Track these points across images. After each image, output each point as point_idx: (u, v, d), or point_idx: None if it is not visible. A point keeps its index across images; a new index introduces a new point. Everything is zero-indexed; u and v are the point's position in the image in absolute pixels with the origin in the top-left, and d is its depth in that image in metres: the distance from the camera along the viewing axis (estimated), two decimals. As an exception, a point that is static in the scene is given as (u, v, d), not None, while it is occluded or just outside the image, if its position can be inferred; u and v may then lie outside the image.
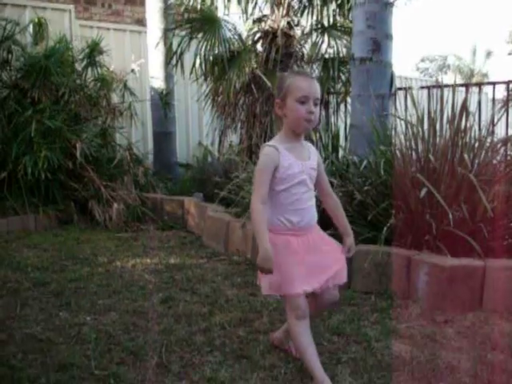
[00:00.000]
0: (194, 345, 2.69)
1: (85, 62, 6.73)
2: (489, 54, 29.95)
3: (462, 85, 5.07)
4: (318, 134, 5.25)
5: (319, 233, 2.54)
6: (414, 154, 3.91)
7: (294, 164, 2.38)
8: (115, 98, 7.08)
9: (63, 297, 3.45)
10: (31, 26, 6.74)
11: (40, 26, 6.68)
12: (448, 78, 29.88)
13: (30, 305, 3.30)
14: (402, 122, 4.26)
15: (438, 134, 3.85)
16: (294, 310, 2.33)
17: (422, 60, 35.17)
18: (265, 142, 6.25)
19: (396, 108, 5.02)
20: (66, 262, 4.29)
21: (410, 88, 4.87)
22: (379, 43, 4.77)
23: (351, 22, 5.52)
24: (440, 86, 4.02)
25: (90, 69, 6.75)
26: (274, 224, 2.39)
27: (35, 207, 5.67)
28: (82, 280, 3.80)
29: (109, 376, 2.35)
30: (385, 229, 3.50)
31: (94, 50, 6.70)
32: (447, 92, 3.96)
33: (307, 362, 2.32)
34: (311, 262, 2.38)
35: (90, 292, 3.54)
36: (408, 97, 4.80)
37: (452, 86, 4.07)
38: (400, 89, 5.31)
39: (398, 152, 4.00)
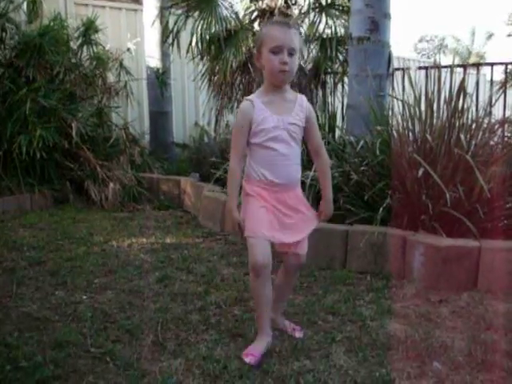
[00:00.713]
0: (189, 323, 2.70)
1: (80, 41, 6.66)
2: (490, 35, 29.70)
3: (459, 66, 5.04)
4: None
5: (298, 195, 2.48)
6: (410, 134, 3.91)
7: (269, 118, 2.32)
8: (111, 77, 7.02)
9: (59, 276, 3.45)
10: (25, 4, 6.65)
11: (34, 4, 6.59)
12: (446, 59, 29.77)
13: (26, 283, 3.31)
14: (400, 103, 4.24)
15: (435, 114, 3.84)
16: (251, 260, 2.31)
17: (420, 41, 35.00)
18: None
19: (393, 88, 5.00)
20: (62, 242, 4.29)
21: (407, 68, 4.84)
22: (377, 22, 4.73)
23: (349, 0, 5.46)
24: (438, 67, 4.00)
25: (85, 47, 6.69)
26: (249, 175, 2.41)
27: (31, 187, 5.65)
28: (78, 259, 3.80)
29: (105, 354, 2.36)
30: (381, 209, 3.50)
31: (89, 29, 6.63)
32: (445, 73, 3.95)
33: (258, 317, 2.43)
34: (283, 218, 2.38)
35: (86, 271, 3.55)
36: (406, 77, 4.77)
37: (450, 66, 4.05)
38: (398, 69, 5.28)
39: (394, 132, 4.00)
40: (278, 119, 2.34)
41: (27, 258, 3.80)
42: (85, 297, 3.09)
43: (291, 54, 2.28)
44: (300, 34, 2.43)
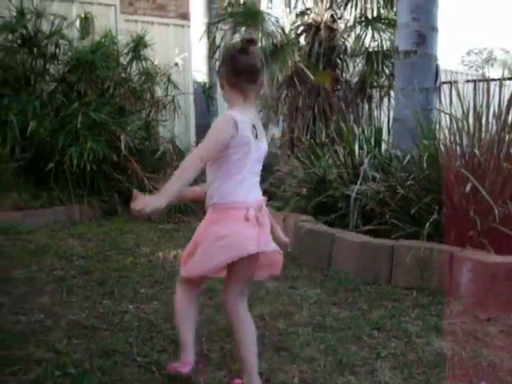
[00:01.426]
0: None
1: (129, 56, 6.82)
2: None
3: (509, 78, 4.95)
4: (360, 128, 5.21)
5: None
6: (458, 148, 3.85)
7: None
8: (159, 91, 7.15)
9: (107, 285, 3.52)
10: (78, 21, 6.86)
11: (86, 21, 6.80)
12: (494, 72, 29.12)
13: (75, 292, 3.39)
14: (447, 116, 4.18)
15: (483, 128, 3.77)
16: None
17: (468, 53, 34.40)
18: (307, 135, 6.29)
19: (441, 102, 4.94)
20: (110, 252, 4.38)
21: (455, 82, 4.78)
22: (424, 36, 4.69)
23: (395, 14, 5.45)
24: (486, 80, 3.93)
25: (134, 62, 6.84)
26: None
27: (80, 198, 5.79)
28: (125, 269, 3.87)
29: (151, 363, 2.40)
30: (427, 224, 3.45)
31: (138, 44, 6.79)
32: (494, 86, 3.88)
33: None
34: None
35: (132, 281, 3.61)
36: (453, 90, 4.72)
37: (499, 79, 3.98)
38: (445, 82, 5.22)
39: (442, 146, 3.94)
40: None
41: (76, 268, 3.90)
42: (131, 306, 3.15)
43: None
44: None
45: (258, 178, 2.26)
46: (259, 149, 2.23)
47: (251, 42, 2.24)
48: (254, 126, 2.19)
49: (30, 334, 2.71)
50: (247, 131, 2.14)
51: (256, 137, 2.18)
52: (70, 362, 2.39)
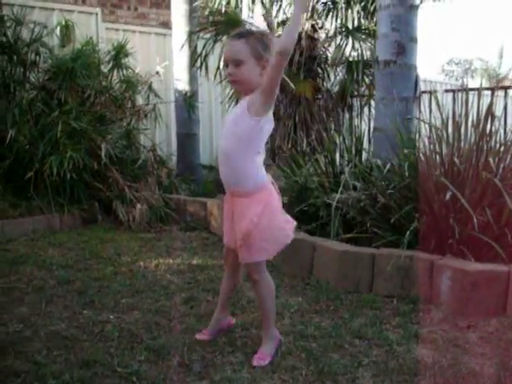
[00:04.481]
0: (215, 345, 2.71)
1: (111, 65, 6.79)
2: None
3: (487, 88, 5.02)
4: (341, 137, 5.25)
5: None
6: (438, 157, 3.89)
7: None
8: (140, 100, 7.13)
9: (87, 295, 3.49)
10: (58, 29, 6.84)
11: (67, 29, 6.78)
12: (474, 82, 29.50)
13: (54, 302, 3.35)
14: (426, 126, 4.23)
15: (462, 137, 3.82)
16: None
17: (449, 63, 34.80)
18: (288, 144, 6.32)
19: (420, 111, 5.00)
20: (90, 261, 4.34)
21: (434, 91, 4.84)
22: (404, 46, 4.74)
23: (375, 24, 5.50)
24: (465, 90, 3.99)
25: (115, 71, 6.81)
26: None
27: (60, 207, 5.73)
28: (106, 279, 3.84)
29: (131, 374, 2.38)
30: (408, 232, 3.48)
31: (119, 53, 6.76)
32: (472, 96, 3.94)
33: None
34: None
35: (113, 291, 3.58)
36: (433, 100, 4.77)
37: (477, 89, 4.04)
38: (425, 92, 5.28)
39: (421, 155, 3.98)
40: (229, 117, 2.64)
41: (56, 277, 3.85)
42: (112, 316, 3.12)
43: (237, 64, 2.36)
44: (256, 40, 2.35)
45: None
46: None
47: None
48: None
49: (8, 344, 2.67)
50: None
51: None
52: (49, 373, 2.36)
